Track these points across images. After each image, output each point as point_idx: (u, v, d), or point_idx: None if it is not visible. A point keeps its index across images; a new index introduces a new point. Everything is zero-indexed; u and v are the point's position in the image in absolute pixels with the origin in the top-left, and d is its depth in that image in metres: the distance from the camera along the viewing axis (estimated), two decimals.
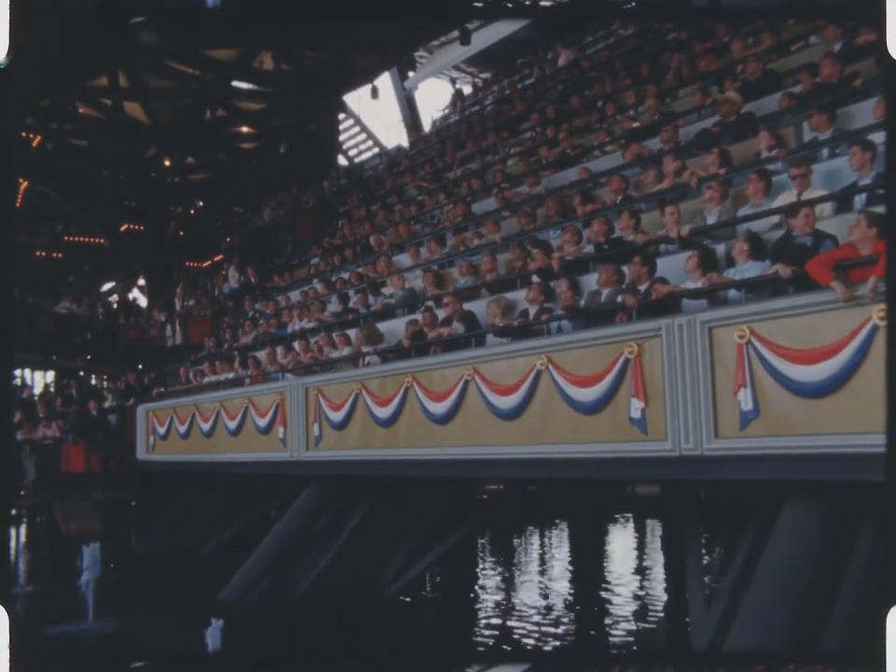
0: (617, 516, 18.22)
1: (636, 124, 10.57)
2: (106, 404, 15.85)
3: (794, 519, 5.99)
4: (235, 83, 21.01)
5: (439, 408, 8.30)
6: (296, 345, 11.79)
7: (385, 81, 24.95)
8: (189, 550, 13.59)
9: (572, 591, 11.83)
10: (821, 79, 7.85)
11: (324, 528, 10.82)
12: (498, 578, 13.00)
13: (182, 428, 13.56)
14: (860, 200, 6.27)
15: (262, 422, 11.32)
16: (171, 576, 11.86)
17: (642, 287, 6.83)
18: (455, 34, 20.55)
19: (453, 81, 26.25)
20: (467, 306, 9.00)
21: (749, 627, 5.89)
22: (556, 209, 9.78)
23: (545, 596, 11.32)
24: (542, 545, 16.58)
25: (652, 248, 7.45)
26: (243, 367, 12.80)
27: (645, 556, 14.60)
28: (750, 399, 5.77)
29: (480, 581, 12.61)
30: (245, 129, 22.66)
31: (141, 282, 24.44)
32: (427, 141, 20.39)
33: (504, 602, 11.01)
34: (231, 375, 13.11)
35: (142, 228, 22.16)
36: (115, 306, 21.08)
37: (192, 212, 23.70)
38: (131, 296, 25.62)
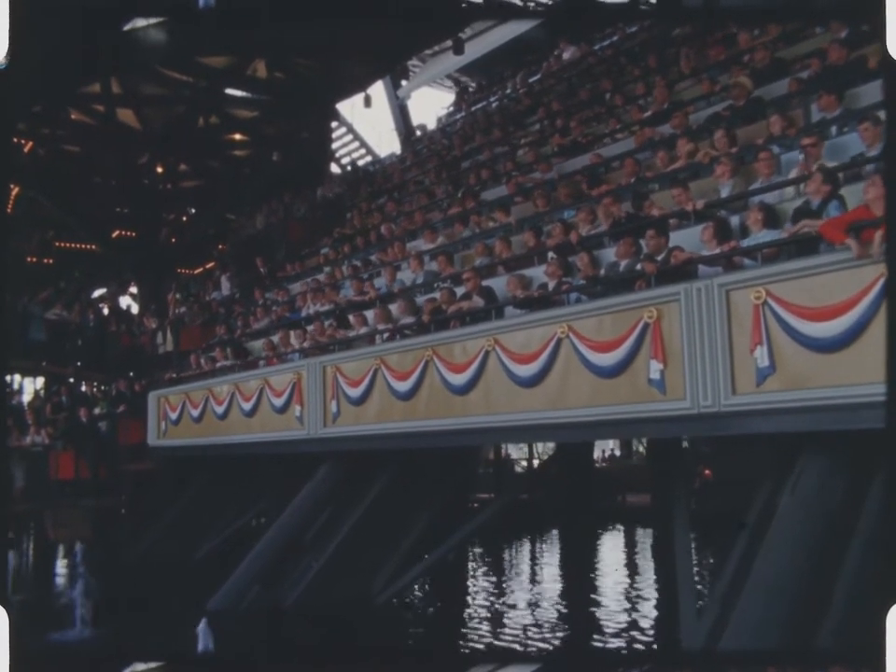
0: (608, 525, 18.41)
1: (647, 114, 10.90)
2: (97, 411, 15.84)
3: (804, 488, 6.26)
4: (228, 90, 21.03)
5: (459, 379, 8.56)
6: (311, 328, 12.05)
7: (378, 90, 25.13)
8: (180, 556, 13.56)
9: (562, 601, 11.83)
10: (829, 63, 8.21)
11: (316, 535, 10.91)
12: (489, 587, 13.04)
13: (195, 412, 13.73)
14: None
15: (278, 401, 11.52)
16: (161, 583, 11.75)
17: (660, 257, 7.14)
18: (449, 43, 20.59)
19: (456, 81, 26.55)
20: (484, 283, 9.29)
21: (751, 612, 6.08)
22: (569, 193, 10.10)
23: (535, 607, 11.36)
24: (533, 555, 16.64)
25: (671, 222, 7.76)
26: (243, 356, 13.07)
27: (636, 565, 14.69)
28: (767, 356, 6.07)
29: (470, 591, 12.63)
30: (237, 136, 22.63)
31: (133, 289, 24.30)
32: (432, 137, 20.70)
33: (494, 612, 11.07)
34: (244, 360, 13.36)
35: (134, 234, 22.08)
36: (106, 313, 20.83)
37: (185, 219, 23.61)
38: (122, 303, 25.37)
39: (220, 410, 13.02)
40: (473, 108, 20.88)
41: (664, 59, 13.19)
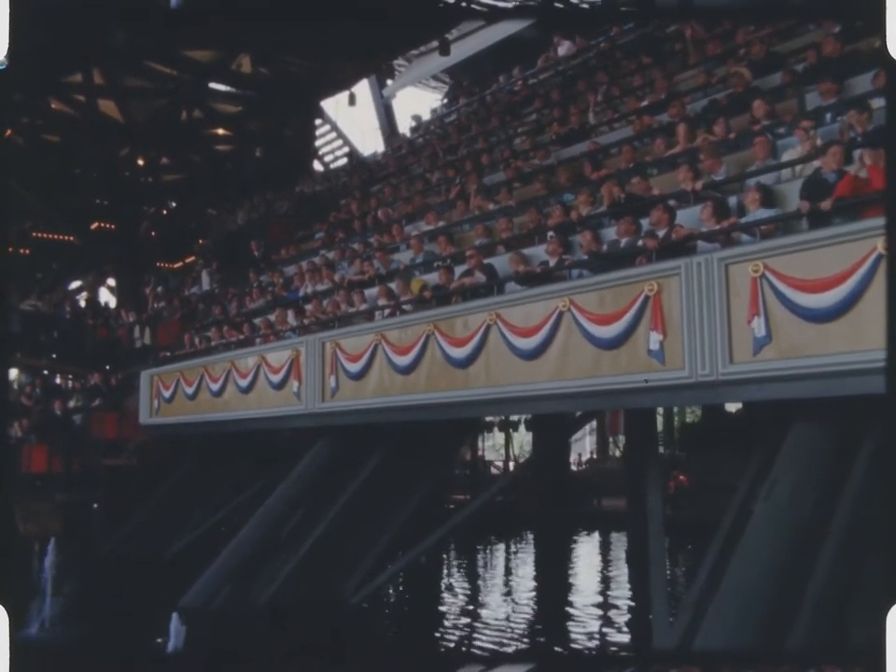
0: (584, 529, 18.64)
1: (644, 103, 11.20)
2: (71, 404, 15.76)
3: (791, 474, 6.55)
4: (212, 85, 21.03)
5: (460, 353, 8.76)
6: (309, 307, 12.22)
7: (363, 88, 25.20)
8: (155, 551, 13.58)
9: (536, 604, 11.96)
10: (824, 55, 8.56)
11: (294, 530, 10.91)
12: (463, 589, 13.17)
13: (190, 390, 13.82)
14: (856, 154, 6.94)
15: (276, 378, 11.62)
16: (133, 580, 11.75)
17: (661, 233, 7.43)
18: (435, 43, 20.56)
19: (450, 76, 26.72)
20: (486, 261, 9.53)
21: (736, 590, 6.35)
22: (568, 177, 10.37)
23: (509, 610, 11.43)
24: (508, 558, 16.67)
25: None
26: (252, 330, 13.18)
27: (610, 569, 14.79)
28: (763, 327, 6.36)
29: (444, 592, 12.77)
30: (220, 131, 22.58)
31: (111, 282, 24.26)
32: (428, 126, 20.90)
33: (469, 614, 11.20)
34: (240, 337, 13.48)
35: (113, 227, 22.04)
36: (83, 305, 20.75)
37: (165, 213, 23.57)
38: (100, 296, 24.87)
39: (216, 387, 13.10)
40: (469, 100, 21.08)
41: (659, 54, 13.50)
